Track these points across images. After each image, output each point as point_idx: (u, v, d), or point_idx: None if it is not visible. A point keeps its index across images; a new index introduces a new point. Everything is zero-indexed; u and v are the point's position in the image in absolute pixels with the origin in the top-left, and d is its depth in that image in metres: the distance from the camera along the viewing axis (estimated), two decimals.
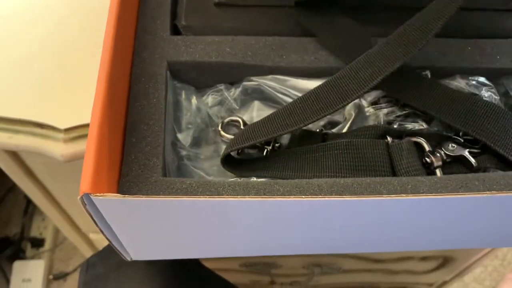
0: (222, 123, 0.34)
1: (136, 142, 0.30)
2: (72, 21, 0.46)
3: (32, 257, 1.02)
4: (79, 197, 0.24)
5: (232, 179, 0.31)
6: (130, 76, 0.33)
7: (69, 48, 0.44)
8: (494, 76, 0.35)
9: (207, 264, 0.51)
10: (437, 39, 0.35)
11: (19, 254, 1.01)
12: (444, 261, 0.69)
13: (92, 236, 0.65)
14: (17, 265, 0.99)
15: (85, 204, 0.25)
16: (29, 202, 1.07)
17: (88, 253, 0.73)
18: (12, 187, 1.09)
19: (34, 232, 1.06)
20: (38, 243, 1.04)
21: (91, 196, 0.24)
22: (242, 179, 0.31)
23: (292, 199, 0.25)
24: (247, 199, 0.25)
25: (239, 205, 0.26)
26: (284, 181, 0.28)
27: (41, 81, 0.42)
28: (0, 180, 1.04)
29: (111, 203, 0.25)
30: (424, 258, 0.69)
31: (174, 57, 0.34)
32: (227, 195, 0.27)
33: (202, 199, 0.25)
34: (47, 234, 1.05)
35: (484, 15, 0.37)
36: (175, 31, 0.36)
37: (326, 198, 0.25)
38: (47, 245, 1.04)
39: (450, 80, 0.35)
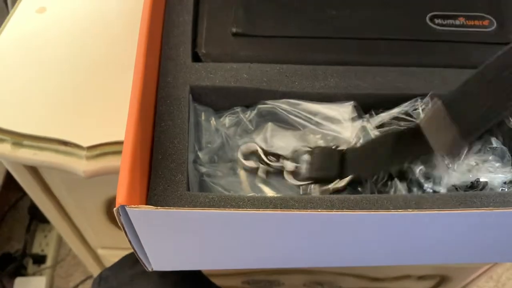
0: (241, 151, 0.36)
1: (163, 159, 0.32)
2: (99, 42, 0.49)
3: (34, 274, 1.03)
4: (114, 209, 0.27)
5: (250, 194, 0.34)
6: (156, 99, 0.36)
7: (93, 69, 0.47)
8: None
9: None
10: (437, 69, 0.38)
11: (21, 271, 1.02)
12: (441, 280, 0.72)
13: (100, 251, 0.67)
14: (19, 281, 1.00)
15: (120, 215, 0.27)
16: (32, 219, 1.08)
17: (94, 268, 0.74)
18: (15, 204, 1.11)
19: (36, 249, 1.07)
20: (40, 259, 1.05)
21: (126, 208, 0.26)
22: (259, 194, 0.33)
23: (309, 212, 0.28)
24: (266, 211, 0.28)
25: (258, 218, 0.28)
26: (299, 196, 0.31)
27: (66, 100, 0.45)
28: (3, 197, 1.06)
29: (144, 214, 0.27)
30: (421, 277, 0.71)
31: (196, 82, 0.37)
32: (247, 208, 0.30)
33: (226, 211, 0.27)
34: (49, 250, 1.06)
35: (479, 48, 0.40)
36: (196, 58, 0.39)
37: (340, 212, 0.28)
38: (49, 261, 1.05)
39: None
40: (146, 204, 0.30)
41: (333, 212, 0.28)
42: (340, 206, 0.30)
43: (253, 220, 0.28)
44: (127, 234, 0.29)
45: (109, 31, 0.50)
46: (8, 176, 0.97)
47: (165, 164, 0.32)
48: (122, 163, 0.28)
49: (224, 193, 0.34)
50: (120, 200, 0.26)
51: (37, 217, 1.07)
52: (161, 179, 0.31)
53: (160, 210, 0.27)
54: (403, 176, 0.34)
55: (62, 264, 1.08)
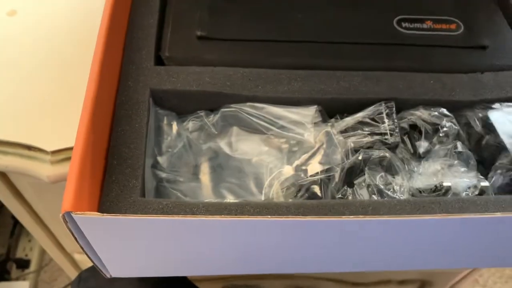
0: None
1: (117, 164, 0.32)
2: (62, 47, 0.48)
3: (17, 279, 1.02)
4: (60, 215, 0.26)
5: (207, 200, 0.33)
6: (115, 103, 0.35)
7: (58, 72, 0.46)
8: (454, 108, 0.38)
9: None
10: (402, 73, 0.38)
11: (4, 275, 1.01)
12: (422, 285, 0.71)
13: (77, 256, 0.66)
14: (2, 286, 0.99)
15: (67, 221, 0.26)
16: (16, 223, 1.07)
17: (73, 273, 0.73)
18: None
19: (20, 254, 1.05)
20: (23, 264, 1.03)
21: (72, 214, 0.26)
22: (216, 200, 0.33)
23: (261, 218, 0.27)
24: (219, 218, 0.27)
25: (211, 224, 0.28)
26: (255, 202, 0.30)
27: (30, 104, 0.44)
28: None
29: (90, 221, 0.26)
30: (402, 282, 0.70)
31: (157, 86, 0.36)
32: (201, 215, 0.29)
33: (175, 218, 0.27)
34: (33, 255, 1.05)
35: (446, 51, 0.40)
36: (159, 61, 0.39)
37: (292, 219, 0.27)
38: (33, 266, 1.04)
39: (413, 111, 0.37)
40: (98, 210, 0.30)
41: (285, 219, 0.27)
42: (296, 212, 0.30)
43: (204, 227, 0.28)
44: (77, 241, 0.29)
45: (77, 35, 0.49)
46: None
47: (119, 170, 0.31)
48: (70, 168, 0.28)
49: (180, 199, 0.34)
50: (65, 207, 0.26)
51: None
52: (115, 184, 0.31)
53: (106, 216, 0.26)
54: (363, 182, 0.34)
55: (46, 269, 1.07)
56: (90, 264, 0.61)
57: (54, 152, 0.42)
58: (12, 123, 0.43)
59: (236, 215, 0.29)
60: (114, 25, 0.36)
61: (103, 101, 0.32)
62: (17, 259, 1.04)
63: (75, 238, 0.28)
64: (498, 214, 0.27)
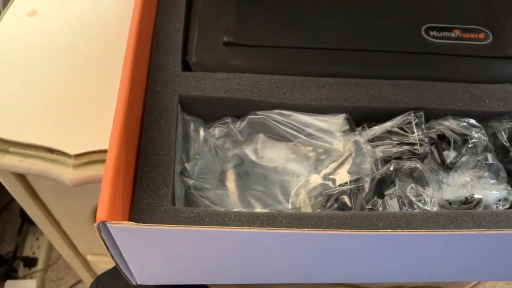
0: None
1: (148, 171, 0.31)
2: (89, 48, 0.48)
3: (24, 277, 1.02)
4: (95, 224, 0.26)
5: (237, 209, 0.33)
6: (143, 109, 0.35)
7: (82, 76, 0.46)
8: (483, 118, 0.37)
9: None
10: (432, 83, 0.38)
11: (11, 274, 1.01)
12: None
13: (90, 258, 0.66)
14: (9, 284, 0.98)
15: (100, 230, 0.26)
16: (23, 221, 1.07)
17: (83, 274, 0.73)
18: (7, 206, 1.09)
19: (27, 252, 1.05)
20: (30, 262, 1.03)
21: (107, 224, 0.26)
22: (246, 209, 0.33)
23: (294, 231, 0.27)
24: (252, 230, 0.27)
25: (244, 235, 0.27)
26: (286, 212, 0.30)
27: (53, 107, 0.44)
28: None
29: (124, 230, 0.26)
30: None
31: (185, 92, 0.36)
32: (233, 225, 0.29)
33: (210, 229, 0.27)
34: (40, 253, 1.05)
35: (474, 61, 0.39)
36: (186, 67, 0.38)
37: (328, 232, 0.27)
38: (40, 265, 1.04)
39: (442, 120, 0.37)
40: (129, 218, 0.29)
41: (319, 232, 0.27)
42: (328, 223, 0.29)
43: (238, 238, 0.27)
44: (108, 249, 0.29)
45: (99, 37, 0.49)
46: None
47: (150, 177, 0.31)
48: (104, 177, 0.27)
49: (210, 207, 0.33)
50: (100, 216, 0.26)
51: (28, 220, 1.06)
52: (146, 192, 0.31)
53: (141, 226, 0.26)
54: (394, 194, 0.33)
55: (53, 267, 1.06)
56: (103, 265, 0.61)
57: (77, 156, 0.41)
58: (36, 126, 0.43)
59: (268, 226, 0.29)
60: (142, 30, 0.35)
61: (133, 107, 0.32)
62: (24, 257, 1.04)
63: (107, 247, 0.28)
64: None
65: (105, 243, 0.28)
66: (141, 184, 0.31)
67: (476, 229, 0.29)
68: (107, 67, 0.47)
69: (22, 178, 0.49)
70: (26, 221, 1.07)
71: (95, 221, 0.55)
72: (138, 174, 0.31)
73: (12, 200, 1.07)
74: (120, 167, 0.28)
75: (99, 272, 0.71)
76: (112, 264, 0.48)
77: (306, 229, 0.26)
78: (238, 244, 0.29)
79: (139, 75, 0.35)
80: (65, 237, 0.61)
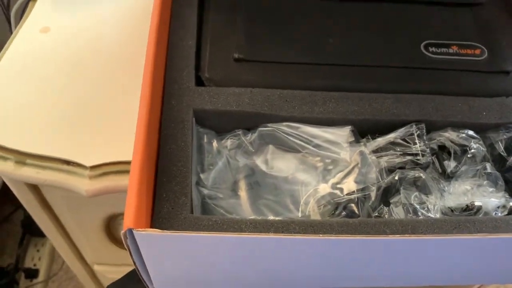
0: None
1: (167, 181, 0.33)
2: (102, 62, 0.50)
3: None
4: (122, 232, 0.28)
5: (252, 217, 0.34)
6: (160, 122, 0.37)
7: (96, 88, 0.48)
8: (481, 129, 0.40)
9: None
10: (432, 96, 0.40)
11: (13, 285, 1.01)
12: None
13: (96, 267, 0.67)
14: None
15: (127, 238, 0.28)
16: (24, 232, 1.08)
17: (88, 284, 0.74)
18: (8, 217, 1.10)
19: (29, 263, 1.06)
20: (32, 274, 1.04)
21: (133, 231, 0.27)
22: (260, 217, 0.34)
23: (309, 237, 0.29)
24: (269, 236, 0.29)
25: (261, 241, 0.29)
26: (299, 220, 0.32)
27: (69, 120, 0.45)
28: None
29: (150, 237, 0.28)
30: None
31: (199, 106, 0.38)
32: (249, 231, 0.31)
33: (229, 235, 0.28)
34: (41, 265, 1.06)
35: (471, 76, 0.42)
36: (199, 82, 0.40)
37: (340, 238, 0.29)
38: (41, 276, 1.04)
39: (442, 132, 0.39)
40: (151, 226, 0.31)
41: (333, 237, 0.29)
42: (339, 230, 0.31)
43: (256, 244, 0.29)
44: (132, 256, 0.30)
45: (112, 51, 0.51)
46: (2, 189, 0.96)
47: (169, 187, 0.33)
48: (129, 186, 0.29)
49: (226, 215, 0.35)
50: (128, 223, 0.27)
51: (30, 231, 1.07)
52: (166, 201, 0.32)
53: (166, 233, 0.27)
54: (399, 202, 0.35)
55: (54, 278, 1.07)
56: (109, 275, 0.62)
57: (93, 167, 0.43)
58: (51, 138, 0.44)
59: (282, 232, 0.31)
60: (158, 46, 0.37)
61: (153, 120, 0.34)
62: (25, 268, 1.05)
63: (130, 253, 0.30)
64: None
65: (129, 250, 0.29)
66: (161, 194, 0.32)
67: (478, 234, 0.30)
68: (120, 81, 0.48)
69: (34, 188, 0.50)
70: (27, 232, 1.07)
71: (105, 230, 0.56)
72: (158, 184, 0.33)
73: (13, 211, 1.09)
74: (143, 178, 0.30)
75: (105, 283, 0.72)
76: (120, 275, 0.49)
77: (320, 235, 0.28)
78: (255, 250, 0.30)
79: (156, 90, 0.37)
80: (73, 246, 0.62)
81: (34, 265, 1.06)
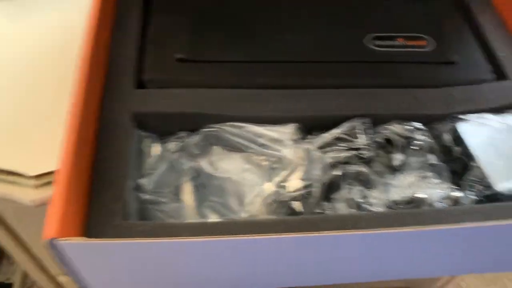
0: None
1: (101, 187, 0.32)
2: (45, 69, 0.49)
3: None
4: (44, 241, 0.27)
5: (189, 220, 0.34)
6: (98, 126, 0.36)
7: (39, 97, 0.47)
8: (428, 121, 0.39)
9: None
10: (377, 90, 0.39)
11: None
12: None
13: (61, 279, 0.65)
14: None
15: (50, 247, 0.27)
16: None
17: None
18: None
19: (2, 277, 1.04)
20: None
21: (56, 241, 0.26)
22: (199, 219, 0.33)
23: (242, 238, 0.28)
24: (201, 239, 0.28)
25: (194, 245, 0.28)
26: (237, 220, 0.31)
27: (10, 129, 0.44)
28: None
29: (75, 246, 0.27)
30: None
31: (139, 109, 0.37)
32: (184, 235, 0.30)
33: (158, 240, 0.27)
34: (15, 279, 1.03)
35: (417, 67, 0.41)
36: (141, 85, 0.39)
37: (272, 236, 0.28)
38: None
39: (388, 125, 0.39)
40: (83, 234, 0.30)
41: (268, 236, 0.28)
42: (277, 228, 0.30)
43: (185, 248, 0.28)
44: (62, 265, 0.29)
45: (54, 58, 0.50)
46: None
47: (103, 193, 0.32)
48: (53, 194, 0.28)
49: (164, 220, 0.34)
50: (49, 233, 0.26)
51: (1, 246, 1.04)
52: (99, 208, 0.31)
53: (90, 241, 0.26)
54: (342, 197, 0.35)
55: None
56: (75, 286, 0.60)
57: (38, 176, 0.42)
58: None
59: (219, 234, 0.30)
60: (95, 48, 0.36)
61: (87, 124, 0.33)
62: None
63: (60, 263, 0.29)
64: (469, 225, 0.29)
65: (57, 259, 0.28)
66: (94, 201, 0.32)
67: (416, 226, 0.30)
68: (65, 88, 0.47)
69: None
70: None
71: None
72: (92, 190, 0.32)
73: None
74: (71, 184, 0.29)
75: None
76: None
77: (251, 235, 0.27)
78: (190, 254, 0.29)
79: (93, 94, 0.36)
80: (34, 259, 0.61)
81: (8, 279, 1.03)
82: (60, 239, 0.26)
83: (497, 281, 1.15)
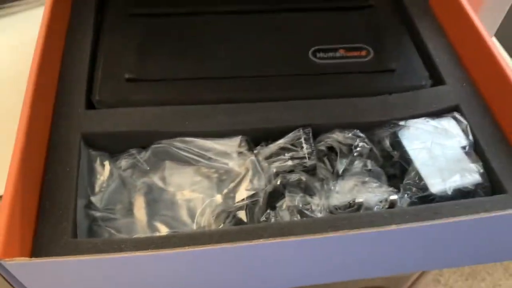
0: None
1: (50, 206, 0.34)
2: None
3: None
4: None
5: (136, 235, 0.35)
6: (48, 147, 0.37)
7: None
8: (368, 128, 0.41)
9: None
10: (319, 101, 0.41)
11: None
12: None
13: None
14: None
15: None
16: None
17: None
18: None
19: None
20: None
21: (2, 261, 0.28)
22: (144, 235, 0.35)
23: (186, 250, 0.30)
24: (142, 254, 0.30)
25: (136, 260, 0.30)
26: (181, 233, 0.33)
27: None
28: None
29: (20, 266, 0.28)
30: None
31: (88, 129, 0.38)
32: (129, 251, 0.31)
33: (100, 257, 0.29)
34: None
35: (357, 77, 0.43)
36: (91, 105, 0.41)
37: (209, 247, 0.29)
38: None
39: (330, 134, 0.40)
40: (31, 253, 0.31)
41: (200, 248, 0.29)
42: (218, 239, 0.32)
43: (128, 263, 0.30)
44: (12, 286, 0.30)
45: (10, 77, 0.51)
46: None
47: (52, 212, 0.33)
48: (0, 215, 0.29)
49: (113, 236, 0.36)
50: None
51: None
52: (47, 227, 0.33)
53: (34, 261, 0.28)
54: (284, 205, 0.37)
55: None
56: None
57: None
58: None
59: (162, 248, 0.32)
60: (44, 69, 0.38)
61: (35, 144, 0.34)
62: None
63: (10, 284, 0.30)
64: (393, 227, 0.31)
65: (6, 280, 0.29)
66: (42, 220, 0.33)
67: (355, 229, 0.32)
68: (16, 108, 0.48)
69: None
70: None
71: None
72: (41, 209, 0.34)
73: None
74: (17, 205, 0.30)
75: None
76: None
77: (188, 248, 0.29)
78: (134, 269, 0.31)
79: (41, 114, 0.37)
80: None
81: None
82: (5, 260, 0.27)
83: (476, 275, 1.18)
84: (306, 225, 0.33)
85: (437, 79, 0.44)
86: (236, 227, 0.33)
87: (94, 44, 0.45)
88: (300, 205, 0.36)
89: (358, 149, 0.40)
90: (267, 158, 0.40)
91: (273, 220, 0.36)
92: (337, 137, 0.40)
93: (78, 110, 0.39)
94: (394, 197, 0.37)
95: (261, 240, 0.31)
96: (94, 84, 0.42)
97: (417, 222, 0.32)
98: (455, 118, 0.41)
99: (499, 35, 0.64)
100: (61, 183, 0.35)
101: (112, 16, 0.47)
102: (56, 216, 0.33)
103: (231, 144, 0.40)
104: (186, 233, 0.33)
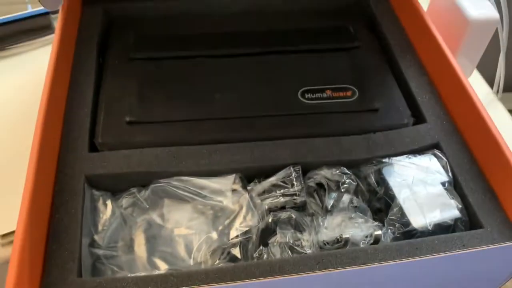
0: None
1: (56, 248, 0.36)
2: (5, 130, 0.53)
3: None
4: None
5: (135, 274, 0.37)
6: (53, 190, 0.39)
7: (4, 157, 0.50)
8: (354, 165, 0.44)
9: None
10: (307, 139, 0.44)
11: None
12: None
13: None
14: None
15: None
16: None
17: None
18: None
19: None
20: None
21: None
22: (143, 273, 0.37)
23: None
24: None
25: None
26: (179, 272, 0.35)
27: None
28: None
29: None
30: None
31: (91, 171, 0.41)
32: None
33: None
34: None
35: (342, 117, 0.46)
36: (94, 148, 0.43)
37: (212, 286, 0.32)
38: None
39: (318, 171, 0.43)
40: None
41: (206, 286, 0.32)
42: (213, 277, 0.35)
43: None
44: None
45: (16, 117, 0.54)
46: None
47: (58, 253, 0.36)
48: (11, 256, 0.32)
49: (115, 273, 0.38)
50: None
51: None
52: (54, 267, 0.35)
53: None
54: (276, 241, 0.39)
55: None
56: None
57: (5, 235, 0.45)
58: None
59: (162, 285, 0.34)
60: (52, 116, 0.41)
61: (41, 190, 0.37)
62: None
63: None
64: (375, 264, 0.33)
65: None
66: (49, 261, 0.35)
67: (339, 268, 0.34)
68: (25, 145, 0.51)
69: None
70: None
71: None
72: (48, 251, 0.36)
73: None
74: (26, 247, 0.33)
75: None
76: None
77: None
78: None
79: (48, 159, 0.40)
80: None
81: None
82: None
83: None
84: (296, 262, 0.36)
85: (419, 117, 0.47)
86: (230, 265, 0.36)
87: (97, 87, 0.48)
88: (291, 241, 0.39)
89: (345, 185, 0.42)
90: (260, 194, 0.43)
91: (265, 256, 0.38)
92: (325, 174, 0.43)
93: (82, 153, 0.42)
94: (378, 232, 0.40)
95: (253, 279, 0.34)
96: (97, 128, 0.44)
97: (399, 258, 0.35)
98: (435, 155, 0.44)
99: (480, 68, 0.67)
100: (66, 224, 0.37)
101: (113, 60, 0.50)
102: (62, 257, 0.35)
103: (226, 182, 0.43)
104: (184, 271, 0.35)
